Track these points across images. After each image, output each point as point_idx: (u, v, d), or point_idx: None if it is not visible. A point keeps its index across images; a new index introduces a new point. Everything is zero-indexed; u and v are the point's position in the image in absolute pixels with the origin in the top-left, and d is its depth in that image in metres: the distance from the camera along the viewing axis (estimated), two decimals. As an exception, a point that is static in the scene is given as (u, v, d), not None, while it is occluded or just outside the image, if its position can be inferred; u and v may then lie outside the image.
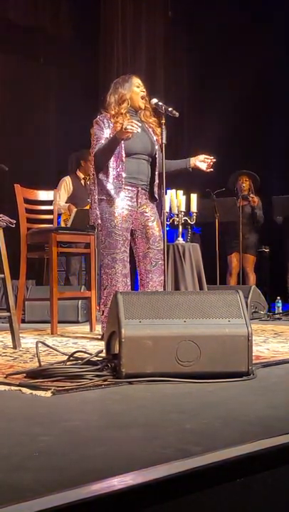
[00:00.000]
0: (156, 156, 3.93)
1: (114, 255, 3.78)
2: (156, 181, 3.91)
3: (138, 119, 3.88)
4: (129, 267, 3.86)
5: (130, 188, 3.84)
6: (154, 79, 7.98)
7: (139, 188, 3.88)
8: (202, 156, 4.00)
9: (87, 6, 8.36)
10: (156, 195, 3.94)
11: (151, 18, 8.67)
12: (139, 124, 3.69)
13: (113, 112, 3.86)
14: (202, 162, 3.99)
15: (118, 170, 3.79)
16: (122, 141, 3.73)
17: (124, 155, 3.78)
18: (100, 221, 3.82)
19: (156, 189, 3.92)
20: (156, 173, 3.92)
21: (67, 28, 8.29)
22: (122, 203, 3.81)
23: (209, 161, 3.98)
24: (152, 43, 8.69)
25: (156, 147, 3.93)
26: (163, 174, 3.86)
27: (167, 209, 5.00)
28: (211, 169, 4.02)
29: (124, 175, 3.79)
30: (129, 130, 3.58)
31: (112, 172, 3.79)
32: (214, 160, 3.99)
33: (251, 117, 8.13)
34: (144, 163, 3.90)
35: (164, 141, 3.84)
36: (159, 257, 3.91)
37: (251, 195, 7.11)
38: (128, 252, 3.86)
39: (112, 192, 3.77)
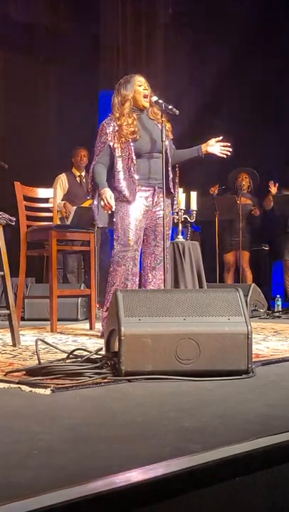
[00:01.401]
0: (168, 150, 3.92)
1: (125, 253, 3.80)
2: (171, 176, 3.91)
3: (143, 118, 3.92)
4: (138, 266, 3.88)
5: (146, 188, 3.85)
6: (154, 76, 7.96)
7: (156, 188, 3.88)
8: (212, 141, 3.96)
9: (87, 3, 8.35)
10: (172, 190, 3.94)
11: (152, 15, 8.66)
12: (113, 208, 3.78)
13: (117, 115, 3.87)
14: (213, 147, 3.96)
15: (130, 172, 3.80)
16: (132, 142, 3.80)
17: (134, 157, 3.79)
18: (98, 223, 3.95)
19: (171, 184, 3.92)
20: (170, 168, 3.91)
21: (67, 25, 8.29)
22: (138, 203, 3.82)
23: (222, 144, 3.94)
24: (152, 40, 8.68)
25: (166, 142, 3.91)
26: (163, 170, 3.86)
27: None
28: (224, 155, 3.98)
29: (136, 177, 3.79)
30: (102, 205, 3.79)
31: (122, 175, 3.80)
32: (228, 145, 3.95)
33: (251, 115, 8.13)
34: (156, 161, 3.87)
35: (163, 138, 3.84)
36: (163, 255, 3.92)
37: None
38: (139, 250, 3.88)
39: (127, 193, 3.78)
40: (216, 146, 3.97)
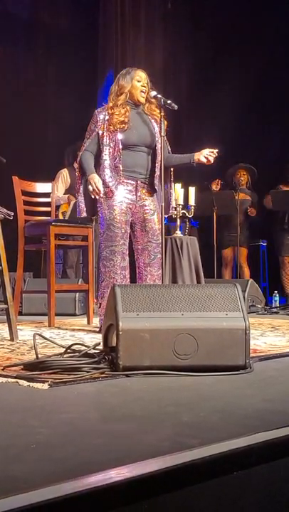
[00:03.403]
0: (157, 147, 3.91)
1: (112, 248, 3.79)
2: (157, 173, 3.88)
3: (138, 112, 3.93)
4: (128, 260, 3.87)
5: (129, 181, 3.84)
6: (153, 71, 7.93)
7: (138, 182, 3.88)
8: (206, 151, 3.93)
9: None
10: (156, 187, 3.92)
11: (151, 11, 8.64)
12: (101, 193, 3.77)
13: (111, 104, 3.89)
14: (204, 156, 3.94)
15: (115, 162, 3.79)
16: (119, 132, 3.79)
17: (121, 147, 3.79)
18: (85, 214, 3.94)
19: (156, 181, 3.89)
20: (157, 165, 3.90)
21: (66, 20, 8.26)
22: (121, 196, 3.82)
23: (211, 155, 3.93)
24: (151, 36, 8.66)
25: (157, 139, 3.90)
26: (161, 167, 3.84)
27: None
28: (211, 162, 3.96)
29: (121, 167, 3.79)
30: (90, 190, 3.76)
31: (107, 164, 3.80)
32: (216, 152, 3.93)
33: (250, 111, 8.12)
34: (143, 155, 3.89)
35: (162, 133, 3.84)
36: (157, 251, 3.91)
37: (250, 209, 7.13)
38: (127, 244, 3.87)
39: (111, 184, 3.78)
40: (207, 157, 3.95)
